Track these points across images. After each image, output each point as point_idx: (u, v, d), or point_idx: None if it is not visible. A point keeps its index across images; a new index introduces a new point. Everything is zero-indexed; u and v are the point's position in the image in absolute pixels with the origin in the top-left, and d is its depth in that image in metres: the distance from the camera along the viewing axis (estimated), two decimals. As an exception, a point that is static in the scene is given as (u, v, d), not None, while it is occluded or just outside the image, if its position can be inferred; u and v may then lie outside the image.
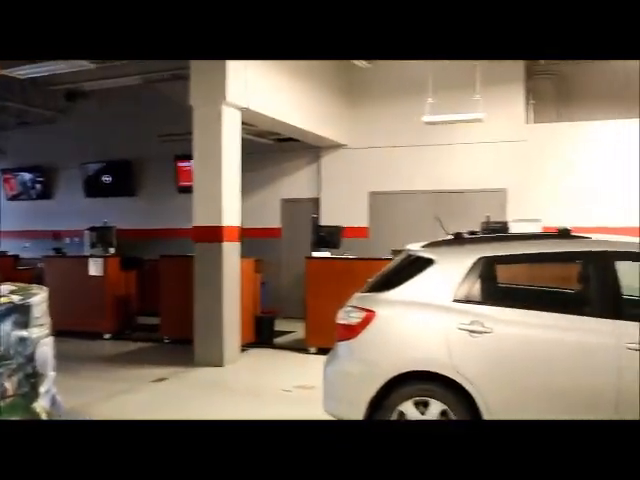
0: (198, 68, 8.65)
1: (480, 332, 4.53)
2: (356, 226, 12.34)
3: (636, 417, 4.26)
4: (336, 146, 12.66)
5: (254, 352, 9.79)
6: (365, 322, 4.73)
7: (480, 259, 4.74)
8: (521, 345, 4.51)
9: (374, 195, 12.53)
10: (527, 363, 4.49)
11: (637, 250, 4.77)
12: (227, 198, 8.74)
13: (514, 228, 9.52)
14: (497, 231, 8.15)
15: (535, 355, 4.48)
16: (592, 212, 11.01)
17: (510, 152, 11.56)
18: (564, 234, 4.88)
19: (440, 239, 5.32)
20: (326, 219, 12.34)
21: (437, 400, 4.57)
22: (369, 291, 5.02)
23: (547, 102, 12.11)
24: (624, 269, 4.74)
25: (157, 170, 14.41)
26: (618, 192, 11.05)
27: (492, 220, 8.81)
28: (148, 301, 11.48)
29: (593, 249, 4.72)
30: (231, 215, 8.85)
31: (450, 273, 4.74)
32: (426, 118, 10.16)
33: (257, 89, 9.17)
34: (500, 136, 11.53)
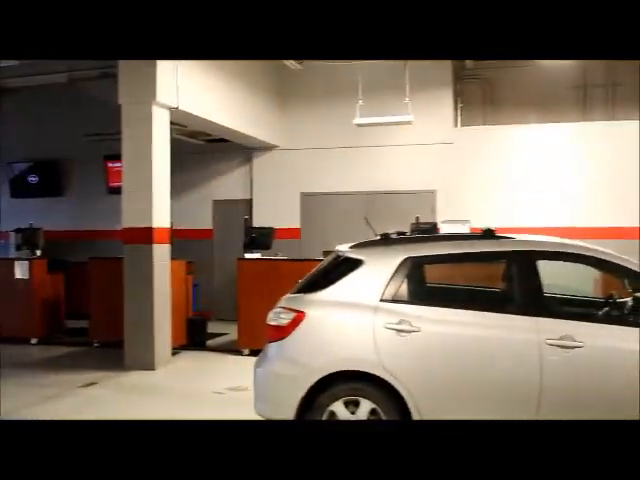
0: (127, 67, 8.52)
1: (408, 331, 4.61)
2: (288, 227, 12.37)
3: (558, 413, 4.42)
4: (268, 147, 12.66)
5: (186, 355, 9.70)
6: (295, 323, 4.76)
7: (406, 259, 4.83)
8: (448, 343, 4.60)
9: (306, 196, 12.59)
10: (454, 361, 4.59)
11: (558, 250, 4.96)
12: (157, 199, 8.64)
13: (444, 229, 9.76)
14: (426, 232, 8.35)
15: (461, 353, 4.58)
16: (518, 213, 11.36)
17: (439, 154, 11.81)
18: (488, 234, 5.02)
19: (368, 240, 5.39)
20: (258, 220, 12.33)
21: (367, 399, 4.63)
22: (299, 292, 5.04)
23: (475, 105, 12.44)
24: (552, 269, 4.92)
25: (86, 170, 14.10)
26: (542, 194, 11.42)
27: (421, 221, 8.98)
28: (77, 304, 11.24)
29: (515, 249, 4.87)
30: (161, 216, 8.75)
31: (377, 273, 4.81)
32: (357, 120, 10.27)
33: (188, 89, 9.09)
34: (429, 138, 11.76)
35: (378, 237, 5.31)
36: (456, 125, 12.23)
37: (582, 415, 4.40)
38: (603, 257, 4.75)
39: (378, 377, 4.60)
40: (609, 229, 10.92)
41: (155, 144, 8.56)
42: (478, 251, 4.94)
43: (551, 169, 11.48)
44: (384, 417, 4.60)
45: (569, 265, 4.88)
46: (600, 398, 4.42)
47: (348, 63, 10.68)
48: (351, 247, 5.18)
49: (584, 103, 12.04)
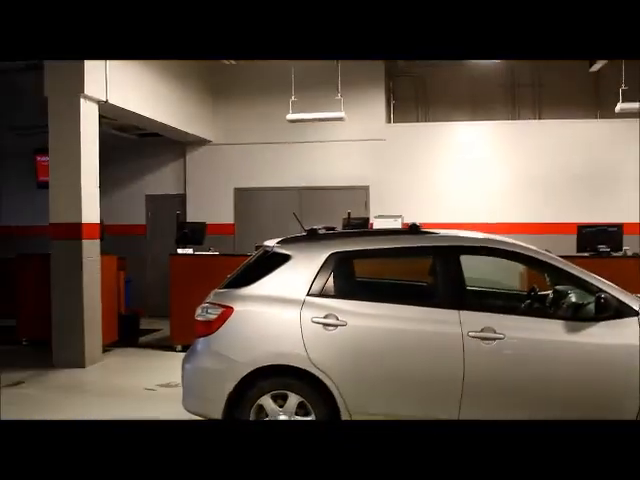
0: (54, 59, 8.33)
1: (334, 325, 4.67)
2: (222, 222, 12.32)
3: (480, 404, 4.55)
4: (201, 142, 12.57)
5: (118, 352, 9.56)
6: (222, 318, 4.77)
7: (333, 254, 4.89)
8: (374, 336, 4.68)
9: (239, 191, 12.55)
10: (380, 354, 4.66)
11: (480, 245, 5.10)
12: (86, 194, 8.48)
13: (376, 224, 9.90)
14: (358, 227, 8.45)
15: (387, 346, 4.66)
16: (449, 209, 11.57)
17: (372, 150, 11.94)
18: (414, 230, 5.12)
19: (296, 235, 5.44)
20: (192, 216, 12.24)
21: (294, 393, 4.67)
22: (227, 287, 5.06)
23: (408, 103, 12.61)
24: (480, 263, 5.04)
25: (14, 164, 13.69)
26: (472, 190, 11.67)
27: (354, 216, 9.08)
28: (4, 302, 10.92)
29: (439, 244, 4.99)
30: (90, 211, 8.60)
31: (304, 268, 4.86)
32: (290, 116, 10.30)
33: (118, 82, 8.95)
34: (362, 135, 11.88)
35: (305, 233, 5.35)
36: (389, 122, 12.38)
37: (503, 405, 4.54)
38: (525, 252, 4.89)
39: (305, 371, 4.65)
40: (539, 225, 11.24)
41: (83, 138, 8.39)
42: (403, 246, 5.04)
43: (481, 166, 11.75)
44: (312, 411, 4.66)
45: (497, 260, 5.01)
46: (520, 388, 4.56)
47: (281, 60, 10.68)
48: (279, 242, 5.22)
49: (513, 102, 12.35)
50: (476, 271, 5.87)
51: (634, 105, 9.46)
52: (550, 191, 11.40)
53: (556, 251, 8.65)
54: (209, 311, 4.85)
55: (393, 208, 11.22)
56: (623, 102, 9.62)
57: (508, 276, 7.14)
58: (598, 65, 10.62)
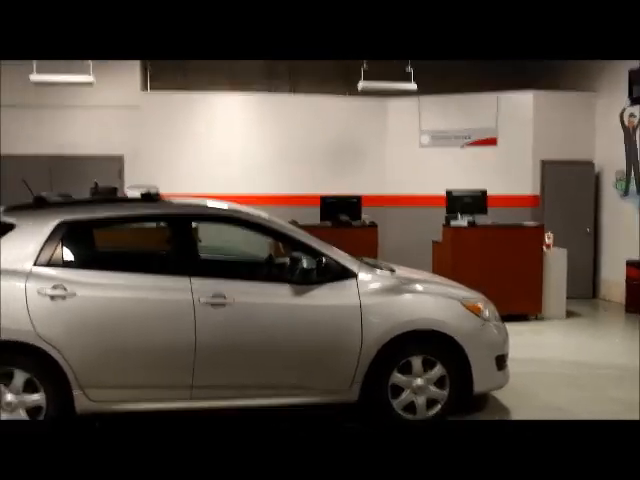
0: None
1: (62, 296, 4.51)
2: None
3: (213, 370, 4.65)
4: None
5: None
6: None
7: (62, 223, 4.69)
8: (104, 307, 4.59)
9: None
10: (111, 324, 4.59)
11: (212, 213, 5.18)
12: None
13: (129, 194, 9.59)
14: (106, 196, 8.15)
15: (117, 315, 4.60)
16: (207, 180, 11.53)
17: (127, 118, 11.53)
18: (147, 198, 5.07)
19: (23, 203, 5.14)
20: None
21: (21, 370, 4.46)
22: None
23: (167, 71, 12.31)
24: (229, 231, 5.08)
25: None
26: (231, 162, 11.75)
27: (102, 186, 8.75)
28: None
29: (171, 212, 4.99)
30: None
31: (30, 238, 4.62)
32: (34, 77, 9.64)
33: None
34: (115, 101, 11.42)
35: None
36: (145, 89, 12.06)
37: (235, 368, 4.69)
38: (258, 221, 5.04)
39: (32, 345, 4.44)
40: (291, 197, 11.63)
41: None
42: (135, 214, 4.99)
43: (238, 137, 11.88)
44: (40, 387, 4.47)
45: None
46: (250, 351, 4.73)
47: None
48: (4, 211, 4.90)
49: (269, 75, 12.61)
50: (230, 240, 5.97)
51: (374, 84, 10.12)
52: (301, 164, 11.82)
53: (303, 221, 9.15)
54: None
55: (150, 179, 10.96)
56: (365, 80, 10.25)
57: (260, 245, 7.35)
58: (346, 44, 11.15)
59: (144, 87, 12.08)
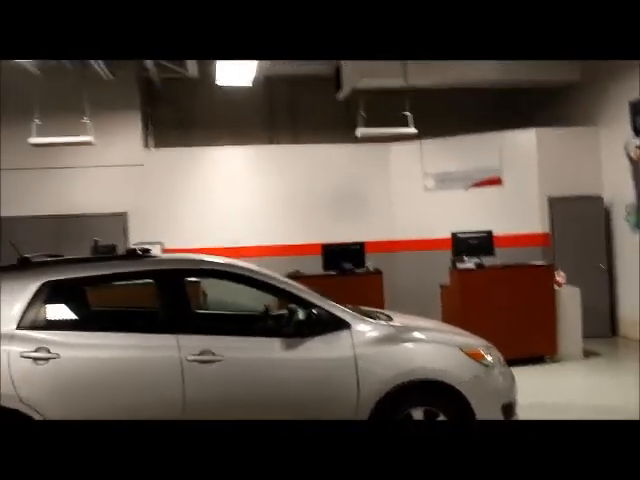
0: None
1: (46, 359, 4.38)
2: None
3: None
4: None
5: None
6: None
7: (46, 283, 4.59)
8: (88, 368, 4.46)
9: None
10: (95, 385, 4.45)
11: (202, 267, 5.05)
12: None
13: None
14: (106, 254, 8.08)
15: (102, 376, 4.46)
16: (210, 234, 11.46)
17: (129, 176, 11.53)
18: (131, 255, 4.96)
19: (4, 265, 5.04)
20: None
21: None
22: None
23: (168, 128, 12.40)
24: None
25: None
26: (234, 215, 11.69)
27: (101, 244, 8.71)
28: None
29: (156, 268, 4.87)
30: None
31: (13, 299, 4.51)
32: (32, 140, 9.69)
33: None
34: (117, 160, 11.42)
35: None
36: (147, 147, 12.10)
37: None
38: (242, 273, 4.90)
39: (11, 409, 4.29)
40: (295, 246, 11.50)
41: None
42: (120, 272, 4.86)
43: (241, 190, 11.83)
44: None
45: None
46: (241, 407, 4.54)
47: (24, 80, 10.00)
48: (-14, 273, 4.79)
49: (271, 126, 12.65)
50: (232, 293, 5.81)
51: (372, 130, 10.07)
52: (306, 213, 11.72)
53: (307, 271, 8.99)
54: None
55: (155, 235, 10.95)
56: (363, 127, 10.21)
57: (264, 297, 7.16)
58: (343, 93, 11.17)
59: (146, 144, 12.10)
